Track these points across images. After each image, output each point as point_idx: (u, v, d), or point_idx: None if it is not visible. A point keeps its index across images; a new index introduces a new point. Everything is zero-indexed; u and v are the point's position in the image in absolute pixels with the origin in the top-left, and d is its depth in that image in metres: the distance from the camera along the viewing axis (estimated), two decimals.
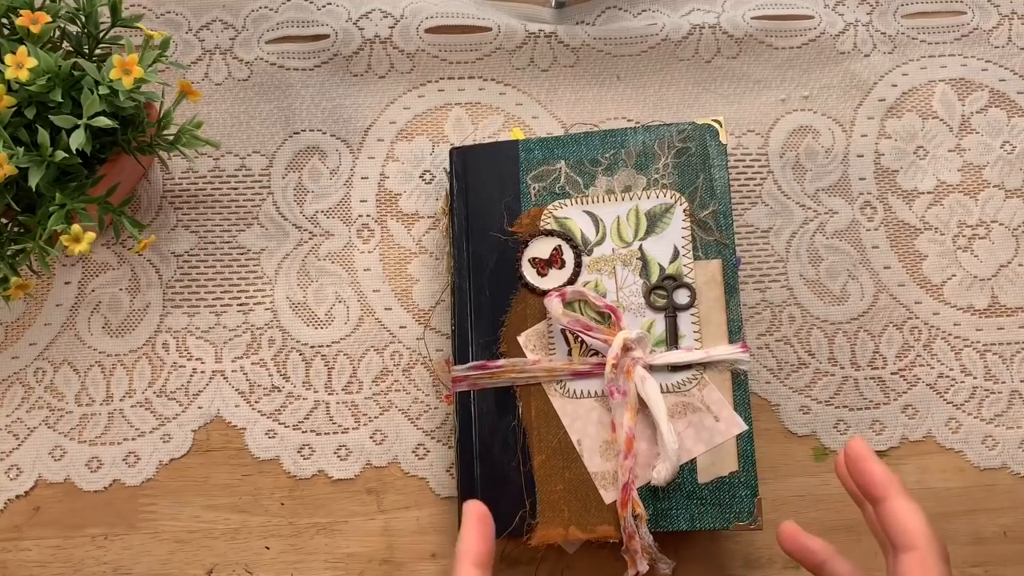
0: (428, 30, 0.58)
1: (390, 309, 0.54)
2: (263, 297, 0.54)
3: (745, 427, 0.46)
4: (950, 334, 0.55)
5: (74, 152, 0.42)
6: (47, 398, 0.52)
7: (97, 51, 0.48)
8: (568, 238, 0.49)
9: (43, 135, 0.42)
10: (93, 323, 0.53)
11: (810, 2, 0.60)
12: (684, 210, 0.48)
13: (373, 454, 0.52)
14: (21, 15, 0.43)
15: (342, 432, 0.52)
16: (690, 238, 0.48)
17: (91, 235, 0.43)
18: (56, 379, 0.52)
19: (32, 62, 0.41)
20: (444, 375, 0.53)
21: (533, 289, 0.49)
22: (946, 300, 0.56)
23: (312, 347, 0.53)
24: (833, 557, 0.42)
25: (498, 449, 0.47)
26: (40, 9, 0.44)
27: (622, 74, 0.58)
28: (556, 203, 0.50)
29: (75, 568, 0.50)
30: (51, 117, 0.42)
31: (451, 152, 0.51)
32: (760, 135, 0.58)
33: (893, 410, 0.54)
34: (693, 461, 0.46)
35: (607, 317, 0.48)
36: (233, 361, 0.53)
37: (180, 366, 0.53)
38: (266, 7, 0.58)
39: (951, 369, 0.55)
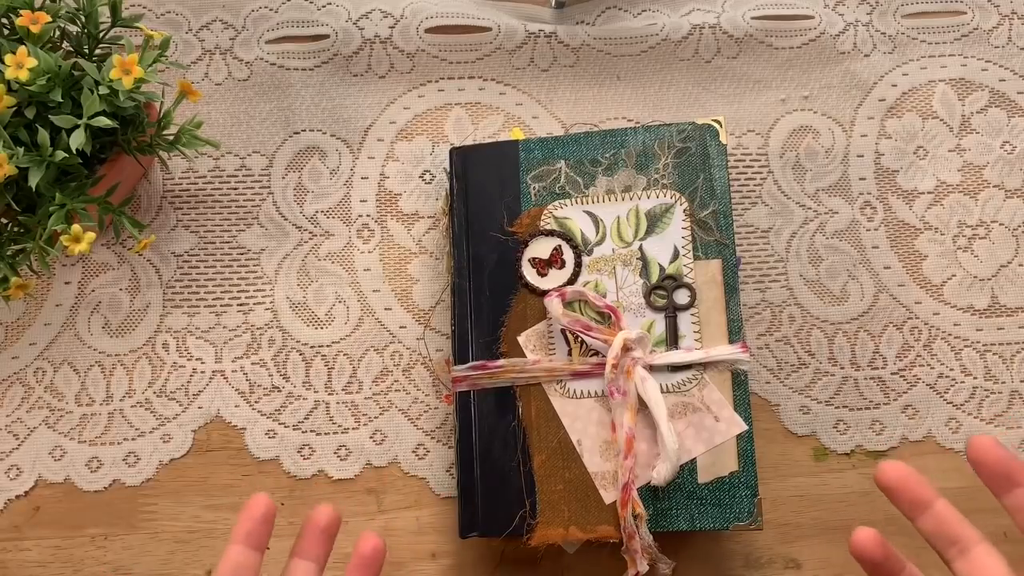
0: (428, 30, 0.58)
1: (390, 309, 0.54)
2: (263, 297, 0.54)
3: (745, 427, 0.46)
4: (950, 334, 0.55)
5: (74, 152, 0.42)
6: (47, 398, 0.52)
7: (97, 51, 0.48)
8: (568, 238, 0.49)
9: (43, 135, 0.42)
10: (93, 323, 0.53)
11: (810, 2, 0.60)
12: (684, 210, 0.48)
13: (373, 454, 0.52)
14: (21, 15, 0.43)
15: (342, 432, 0.52)
16: (690, 238, 0.48)
17: (91, 235, 0.43)
18: (56, 379, 0.52)
19: (32, 62, 0.41)
20: (444, 375, 0.53)
21: (533, 289, 0.49)
22: (946, 300, 0.56)
23: (312, 347, 0.53)
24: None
25: (498, 449, 0.47)
26: (40, 9, 0.44)
27: (622, 74, 0.58)
28: (556, 203, 0.50)
29: (75, 568, 0.50)
30: (51, 117, 0.42)
31: (451, 152, 0.51)
32: (760, 135, 0.58)
33: (893, 410, 0.54)
34: (693, 461, 0.46)
35: (607, 317, 0.48)
36: (233, 361, 0.53)
37: (180, 366, 0.53)
38: (266, 7, 0.58)
39: (951, 369, 0.55)
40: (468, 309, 0.49)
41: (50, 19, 0.43)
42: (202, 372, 0.53)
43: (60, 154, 0.42)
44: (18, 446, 0.52)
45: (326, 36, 0.57)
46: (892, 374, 0.54)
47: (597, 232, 0.49)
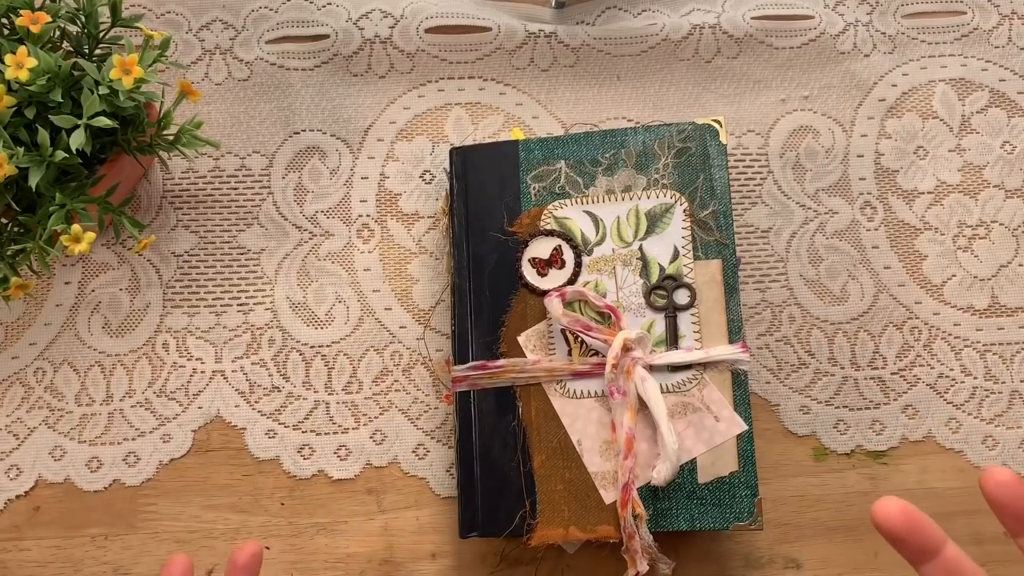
0: (428, 30, 0.58)
1: (390, 309, 0.54)
2: (263, 297, 0.54)
3: (745, 427, 0.46)
4: (950, 334, 0.55)
5: (74, 152, 0.42)
6: (47, 398, 0.52)
7: (97, 51, 0.48)
8: (568, 238, 0.49)
9: (43, 135, 0.42)
10: (93, 323, 0.53)
11: (810, 2, 0.60)
12: (684, 210, 0.48)
13: (373, 454, 0.52)
14: (21, 15, 0.43)
15: (342, 432, 0.52)
16: (690, 238, 0.48)
17: (91, 235, 0.43)
18: (56, 379, 0.52)
19: (32, 62, 0.41)
20: (444, 375, 0.53)
21: (533, 289, 0.49)
22: (946, 300, 0.56)
23: (312, 347, 0.53)
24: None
25: (498, 449, 0.47)
26: (40, 9, 0.44)
27: (622, 74, 0.58)
28: (556, 203, 0.50)
29: (75, 568, 0.50)
30: (51, 117, 0.42)
31: (451, 152, 0.51)
32: (760, 135, 0.58)
33: (893, 410, 0.54)
34: (693, 461, 0.46)
35: (607, 317, 0.48)
36: (233, 361, 0.53)
37: (180, 366, 0.53)
38: (266, 7, 0.58)
39: (951, 369, 0.55)
40: (468, 309, 0.49)
41: (50, 19, 0.43)
42: (202, 372, 0.53)
43: (60, 154, 0.42)
44: (18, 446, 0.52)
45: (326, 36, 0.57)
46: (892, 374, 0.54)
47: (597, 232, 0.49)
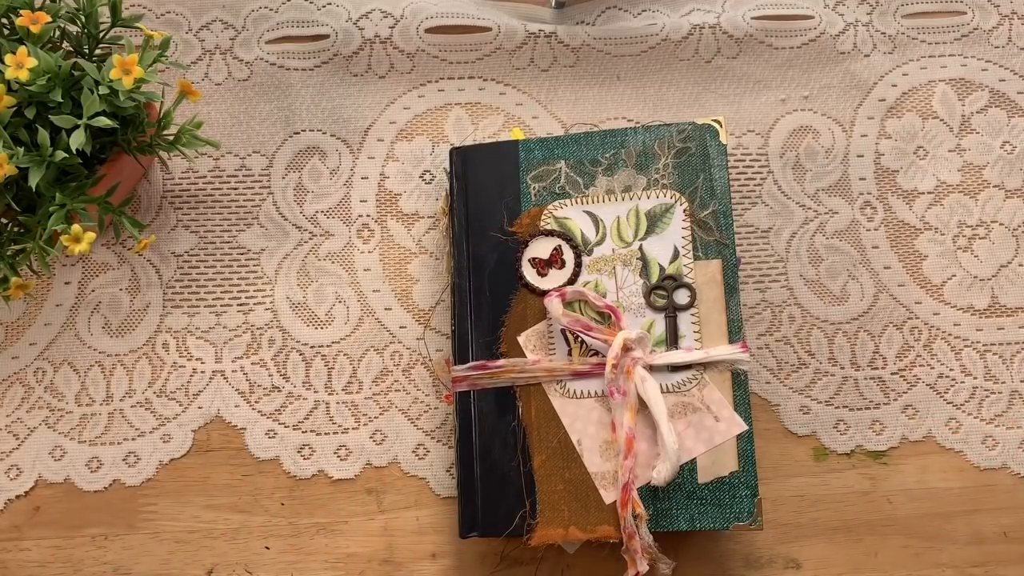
0: (428, 30, 0.58)
1: (390, 309, 0.54)
2: (263, 297, 0.54)
3: (745, 427, 0.46)
4: (950, 334, 0.55)
5: (74, 152, 0.42)
6: (47, 398, 0.52)
7: (97, 51, 0.48)
8: (568, 238, 0.49)
9: (43, 135, 0.42)
10: (93, 323, 0.53)
11: (810, 2, 0.60)
12: (684, 210, 0.48)
13: (373, 454, 0.52)
14: (21, 15, 0.43)
15: (342, 432, 0.52)
16: (690, 238, 0.48)
17: (91, 235, 0.43)
18: (56, 379, 0.52)
19: (32, 62, 0.41)
20: (444, 375, 0.53)
21: (533, 289, 0.49)
22: (946, 300, 0.56)
23: (312, 347, 0.53)
24: None
25: (498, 449, 0.47)
26: (40, 9, 0.44)
27: (622, 74, 0.58)
28: (556, 203, 0.50)
29: (75, 568, 0.50)
30: (51, 117, 0.42)
31: (451, 152, 0.51)
32: (760, 135, 0.58)
33: (893, 410, 0.54)
34: (693, 461, 0.46)
35: (607, 317, 0.48)
36: (233, 361, 0.53)
37: (180, 366, 0.53)
38: (266, 7, 0.58)
39: (951, 369, 0.55)
40: (468, 309, 0.49)
41: (50, 19, 0.43)
42: (202, 372, 0.53)
43: (60, 154, 0.42)
44: (18, 446, 0.52)
45: (326, 36, 0.57)
46: (892, 374, 0.54)
47: (597, 232, 0.49)
